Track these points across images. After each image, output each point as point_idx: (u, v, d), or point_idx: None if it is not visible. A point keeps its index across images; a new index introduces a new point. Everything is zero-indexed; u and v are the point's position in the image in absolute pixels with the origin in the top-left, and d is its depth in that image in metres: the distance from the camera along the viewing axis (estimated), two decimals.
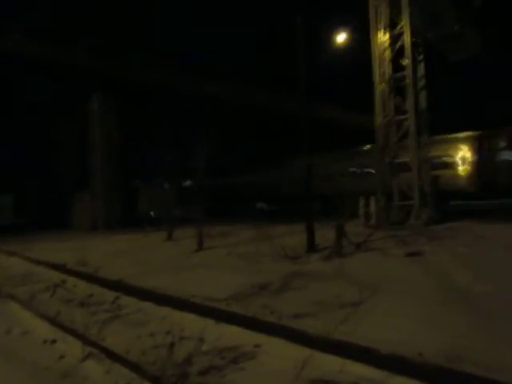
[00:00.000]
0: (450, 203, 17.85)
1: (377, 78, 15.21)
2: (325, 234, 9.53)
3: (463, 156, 18.88)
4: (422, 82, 14.96)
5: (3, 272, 9.88)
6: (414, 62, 14.68)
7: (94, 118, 23.06)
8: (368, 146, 21.79)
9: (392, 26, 15.02)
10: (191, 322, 4.95)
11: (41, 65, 21.25)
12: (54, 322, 5.13)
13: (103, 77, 22.67)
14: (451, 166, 18.89)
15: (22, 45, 20.37)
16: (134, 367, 3.61)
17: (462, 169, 18.81)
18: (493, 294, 5.41)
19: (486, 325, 4.33)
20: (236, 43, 25.06)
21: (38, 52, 20.92)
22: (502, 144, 18.14)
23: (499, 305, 4.95)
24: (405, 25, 14.34)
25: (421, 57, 15.02)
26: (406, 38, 14.27)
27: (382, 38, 15.19)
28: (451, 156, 19.10)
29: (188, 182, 14.35)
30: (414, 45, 14.64)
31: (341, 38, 16.55)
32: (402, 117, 14.78)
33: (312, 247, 9.52)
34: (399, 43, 14.71)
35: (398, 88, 14.92)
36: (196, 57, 24.98)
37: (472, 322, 4.44)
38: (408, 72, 14.34)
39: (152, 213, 20.91)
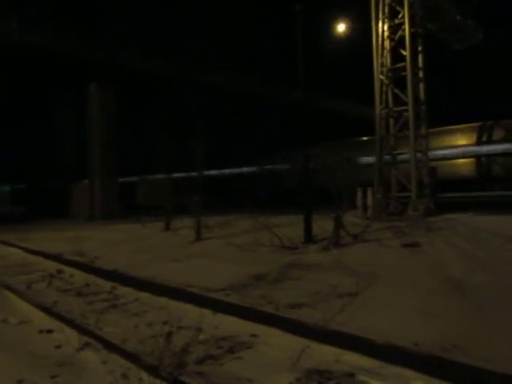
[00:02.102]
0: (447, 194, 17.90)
1: (377, 67, 15.14)
2: (323, 225, 9.54)
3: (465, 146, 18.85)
4: (421, 73, 14.88)
5: None
6: (414, 52, 14.59)
7: (93, 107, 22.89)
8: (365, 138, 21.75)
9: (393, 15, 14.91)
10: (189, 312, 4.96)
11: (40, 53, 20.99)
12: (50, 311, 5.13)
13: (102, 65, 22.43)
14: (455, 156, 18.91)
15: (21, 33, 20.09)
16: (131, 357, 3.61)
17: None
18: (488, 285, 5.44)
19: (482, 315, 4.35)
20: (236, 32, 24.86)
21: (37, 40, 20.64)
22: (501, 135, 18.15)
23: (494, 295, 4.97)
24: (405, 15, 14.23)
25: (420, 47, 14.92)
26: (406, 29, 14.18)
27: (383, 27, 15.08)
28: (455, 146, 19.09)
29: (186, 173, 14.31)
30: (413, 35, 14.54)
31: (341, 27, 16.41)
32: (401, 108, 14.73)
33: (310, 238, 9.54)
34: (399, 33, 14.61)
35: (398, 79, 14.86)
36: (195, 46, 24.78)
37: (467, 312, 4.46)
38: (407, 62, 14.26)
39: (150, 203, 20.91)
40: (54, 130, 26.72)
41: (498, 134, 18.10)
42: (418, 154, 14.54)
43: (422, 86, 14.83)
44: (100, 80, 22.46)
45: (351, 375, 3.24)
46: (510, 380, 3.00)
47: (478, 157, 18.53)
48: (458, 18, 16.47)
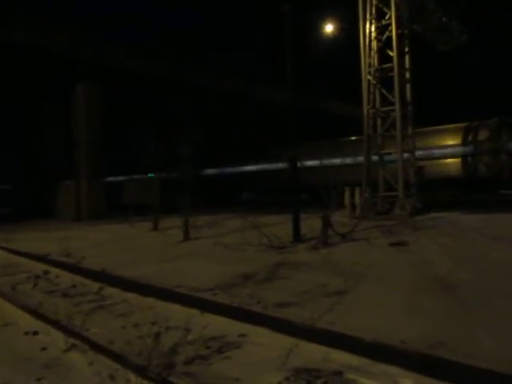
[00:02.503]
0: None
1: (364, 68, 15.24)
2: (311, 225, 9.57)
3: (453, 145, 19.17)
4: (407, 74, 15.03)
5: None
6: (401, 53, 14.73)
7: (80, 106, 22.62)
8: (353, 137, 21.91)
9: (380, 16, 15.04)
10: (177, 313, 4.93)
11: (26, 52, 20.64)
12: (35, 313, 5.05)
13: (90, 64, 22.18)
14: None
15: (6, 31, 19.70)
16: (119, 357, 3.58)
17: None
18: (473, 283, 5.52)
19: (467, 312, 4.42)
20: (224, 31, 24.84)
21: (23, 39, 20.26)
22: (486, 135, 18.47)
23: (479, 293, 5.05)
24: (392, 16, 14.36)
25: (407, 49, 15.07)
26: (393, 30, 14.30)
27: (370, 28, 15.19)
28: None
29: (174, 173, 14.28)
30: (400, 36, 14.67)
31: (329, 28, 16.49)
32: (388, 108, 14.86)
33: (298, 237, 9.56)
34: (386, 34, 14.73)
35: (385, 79, 14.99)
36: (184, 45, 24.68)
37: (453, 310, 4.52)
38: (394, 63, 14.39)
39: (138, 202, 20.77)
40: (39, 129, 26.32)
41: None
42: (405, 154, 14.69)
43: (408, 86, 14.98)
44: (87, 79, 22.19)
45: (339, 373, 3.26)
46: (493, 375, 3.05)
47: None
48: (444, 19, 16.69)
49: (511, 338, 3.73)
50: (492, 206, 14.80)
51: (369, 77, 15.08)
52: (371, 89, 15.15)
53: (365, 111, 15.18)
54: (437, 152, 19.21)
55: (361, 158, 15.67)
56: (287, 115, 10.21)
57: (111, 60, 23.18)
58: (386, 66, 14.78)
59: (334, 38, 16.95)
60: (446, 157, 19.12)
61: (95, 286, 6.65)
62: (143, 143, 15.19)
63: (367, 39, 15.06)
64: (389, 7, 14.44)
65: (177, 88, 23.87)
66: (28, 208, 25.16)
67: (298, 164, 10.11)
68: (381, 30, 14.99)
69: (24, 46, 20.26)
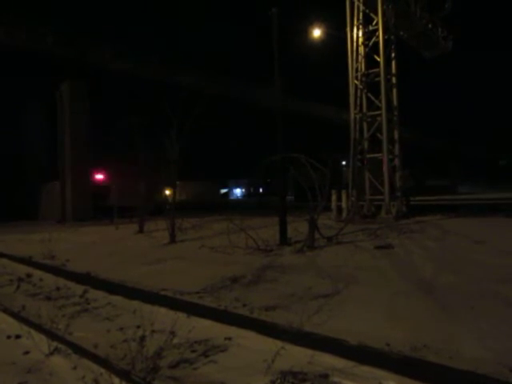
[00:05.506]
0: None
1: (351, 72, 15.39)
2: (297, 227, 9.60)
3: None
4: (394, 79, 15.23)
5: None
6: (387, 58, 14.92)
7: (65, 104, 22.36)
8: None
9: (367, 22, 15.23)
10: (162, 316, 4.90)
11: (11, 51, 20.33)
12: (18, 316, 4.97)
13: (75, 64, 21.96)
14: None
15: None
16: (103, 362, 3.54)
17: None
18: (457, 286, 5.60)
19: (451, 315, 4.48)
20: (213, 33, 24.88)
21: (8, 37, 19.94)
22: None
23: (462, 295, 5.12)
24: (379, 22, 14.55)
25: (394, 54, 15.28)
26: (380, 35, 14.49)
27: (357, 33, 15.36)
28: None
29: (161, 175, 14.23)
30: (387, 42, 14.87)
31: (317, 32, 16.61)
32: (375, 112, 15.03)
33: (285, 240, 9.58)
34: (373, 39, 14.92)
35: (372, 84, 15.17)
36: (170, 46, 24.61)
37: (437, 312, 4.58)
38: (381, 68, 14.57)
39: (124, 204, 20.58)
40: (21, 129, 25.94)
41: None
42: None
43: (394, 91, 15.18)
44: (73, 78, 21.97)
45: (325, 376, 3.28)
46: (477, 376, 3.11)
47: None
48: (429, 26, 16.98)
49: (493, 339, 3.80)
50: (474, 212, 15.08)
51: (356, 81, 15.23)
52: (358, 93, 15.31)
53: (351, 115, 15.32)
54: None
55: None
56: (275, 117, 10.23)
57: (98, 59, 23.00)
58: (373, 71, 14.96)
59: (323, 43, 17.05)
60: None
61: (80, 288, 6.57)
62: (130, 143, 15.05)
63: (354, 44, 15.23)
64: (376, 13, 14.63)
65: (164, 88, 23.75)
66: (10, 209, 24.75)
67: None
68: (368, 35, 15.18)
69: (7, 45, 19.96)
